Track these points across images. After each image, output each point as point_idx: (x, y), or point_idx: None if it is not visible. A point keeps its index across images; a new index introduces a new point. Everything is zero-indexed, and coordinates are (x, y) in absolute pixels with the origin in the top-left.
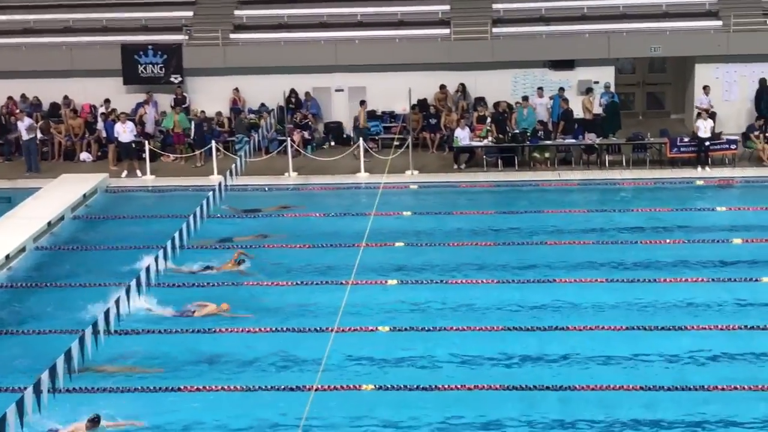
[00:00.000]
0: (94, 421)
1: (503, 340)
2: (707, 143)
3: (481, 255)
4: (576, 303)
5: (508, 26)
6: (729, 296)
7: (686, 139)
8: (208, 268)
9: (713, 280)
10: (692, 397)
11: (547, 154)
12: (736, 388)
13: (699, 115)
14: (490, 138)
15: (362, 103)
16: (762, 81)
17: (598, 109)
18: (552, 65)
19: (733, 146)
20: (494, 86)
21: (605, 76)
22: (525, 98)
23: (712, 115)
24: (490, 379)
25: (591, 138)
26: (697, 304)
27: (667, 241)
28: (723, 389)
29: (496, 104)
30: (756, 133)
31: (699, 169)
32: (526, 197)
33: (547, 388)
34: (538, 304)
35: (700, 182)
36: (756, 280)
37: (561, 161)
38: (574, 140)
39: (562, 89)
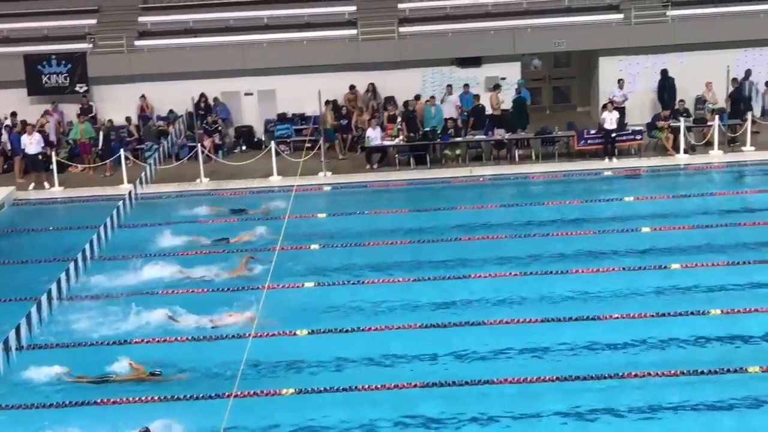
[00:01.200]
0: None
1: (421, 337)
2: (613, 135)
3: (397, 254)
4: (492, 297)
5: (414, 25)
6: (641, 284)
7: (593, 132)
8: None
9: (624, 269)
10: (614, 385)
11: (458, 151)
12: (650, 375)
13: (605, 107)
14: (401, 137)
15: (327, 103)
16: (664, 72)
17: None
18: (459, 63)
19: (638, 137)
20: (404, 85)
21: (512, 72)
22: (432, 97)
23: (621, 109)
24: (411, 377)
25: (500, 134)
26: (611, 293)
27: (579, 232)
28: (639, 376)
29: (406, 103)
30: (661, 122)
31: (606, 160)
32: (440, 195)
33: (467, 383)
34: (455, 300)
35: (608, 173)
36: (666, 267)
37: (472, 158)
38: (484, 136)
39: (467, 86)
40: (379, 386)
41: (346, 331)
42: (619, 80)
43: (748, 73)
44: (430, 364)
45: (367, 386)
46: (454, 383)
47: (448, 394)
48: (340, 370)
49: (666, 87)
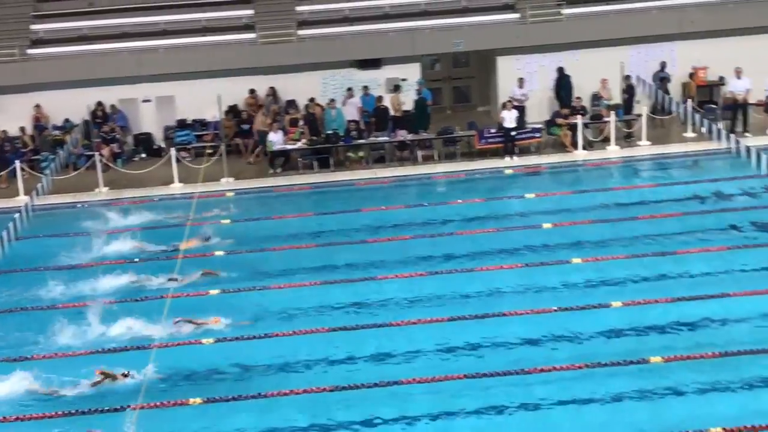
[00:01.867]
0: None
1: (330, 341)
2: (513, 133)
3: (303, 257)
4: (400, 297)
5: (313, 28)
6: (545, 279)
7: (493, 130)
8: (172, 279)
9: (528, 265)
10: (526, 380)
11: (361, 153)
12: (558, 369)
13: (504, 106)
14: (303, 140)
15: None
16: (560, 69)
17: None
18: (359, 65)
19: (537, 134)
20: (304, 88)
21: (412, 73)
22: (332, 100)
23: (521, 107)
24: (322, 382)
25: (403, 135)
26: (514, 289)
27: (483, 230)
28: (547, 370)
29: (308, 106)
30: (561, 120)
31: (507, 158)
32: (344, 197)
33: (388, 383)
34: (363, 301)
35: (509, 171)
36: (568, 262)
37: (375, 159)
38: (386, 138)
39: (366, 88)
40: (289, 391)
41: (255, 337)
42: (520, 79)
43: (663, 65)
44: (344, 366)
45: (277, 392)
46: (369, 385)
47: (363, 396)
48: (250, 377)
49: (563, 84)
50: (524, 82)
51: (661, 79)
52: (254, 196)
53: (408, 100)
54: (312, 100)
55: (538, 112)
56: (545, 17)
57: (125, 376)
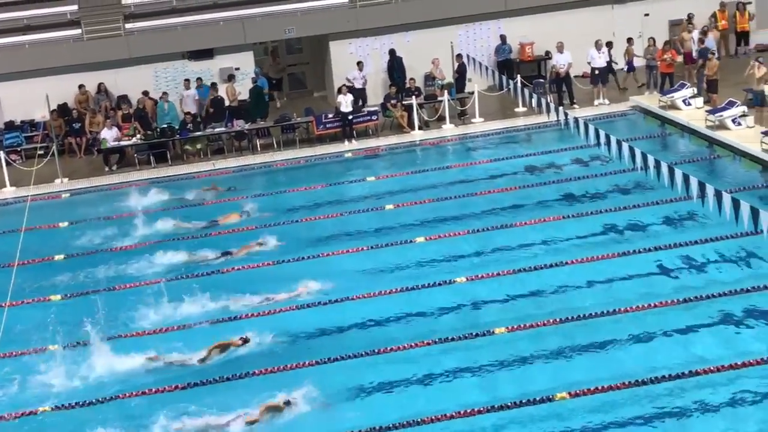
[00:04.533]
0: None
1: (182, 338)
2: (350, 117)
3: (149, 255)
4: (247, 288)
5: (141, 21)
6: (389, 260)
7: (330, 116)
8: None
9: (372, 247)
10: (365, 362)
11: (199, 146)
12: (404, 348)
13: (339, 90)
14: (138, 136)
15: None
16: (392, 52)
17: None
18: (191, 56)
19: (374, 117)
20: (136, 83)
21: (246, 61)
22: (165, 93)
23: (361, 90)
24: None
25: (240, 124)
26: (361, 271)
27: (327, 216)
28: (392, 350)
29: (139, 100)
30: (393, 101)
31: (346, 142)
32: (185, 191)
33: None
34: (214, 295)
35: (348, 155)
36: (411, 242)
37: (214, 151)
38: (223, 129)
39: (200, 79)
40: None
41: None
42: (358, 62)
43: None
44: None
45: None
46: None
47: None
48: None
49: (395, 66)
50: (363, 65)
51: (504, 57)
52: (91, 195)
53: (243, 90)
54: (146, 93)
55: (374, 95)
56: (375, 0)
57: (244, 341)
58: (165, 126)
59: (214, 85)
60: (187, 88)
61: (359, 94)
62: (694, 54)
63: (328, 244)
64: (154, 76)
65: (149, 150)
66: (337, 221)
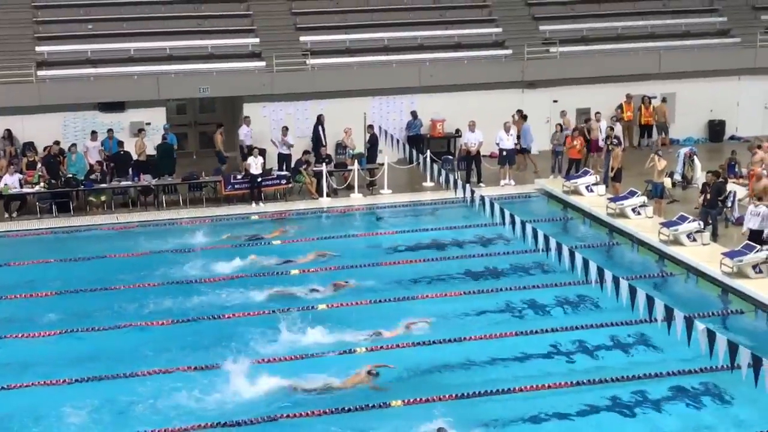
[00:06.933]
0: None
1: (72, 393)
2: (259, 180)
3: (44, 306)
4: (148, 348)
5: (54, 69)
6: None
7: (239, 177)
8: None
9: (273, 311)
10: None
11: (103, 198)
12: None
13: (250, 153)
14: (42, 184)
15: None
16: (320, 117)
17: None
18: (102, 107)
19: (283, 181)
20: (44, 130)
21: (157, 117)
22: (73, 144)
23: (263, 152)
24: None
25: (147, 179)
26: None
27: (226, 277)
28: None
29: (48, 149)
30: (303, 167)
31: (253, 204)
32: (87, 242)
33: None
34: (102, 354)
35: (255, 217)
36: (313, 308)
37: (119, 204)
38: (130, 182)
39: (110, 131)
40: None
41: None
42: (284, 128)
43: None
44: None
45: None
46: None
47: None
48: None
49: (322, 131)
50: (288, 130)
51: (415, 131)
52: None
53: (152, 145)
54: (57, 143)
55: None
56: (291, 66)
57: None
58: (70, 176)
59: (121, 142)
60: (94, 139)
61: (285, 159)
62: (601, 143)
63: (225, 309)
64: (63, 125)
65: (52, 199)
66: (238, 282)
